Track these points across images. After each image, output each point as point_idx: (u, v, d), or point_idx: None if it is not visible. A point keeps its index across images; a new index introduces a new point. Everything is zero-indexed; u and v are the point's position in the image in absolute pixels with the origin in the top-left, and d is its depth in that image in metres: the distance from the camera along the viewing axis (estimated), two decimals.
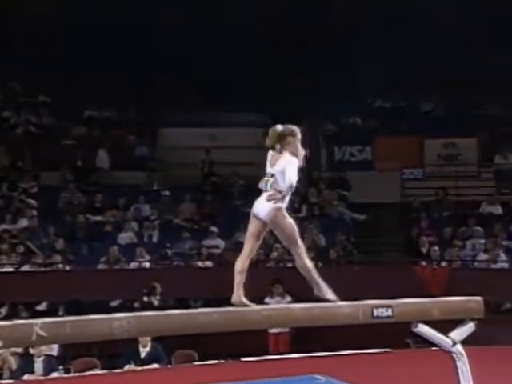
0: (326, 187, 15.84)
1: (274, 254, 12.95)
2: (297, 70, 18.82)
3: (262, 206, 5.38)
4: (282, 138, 5.46)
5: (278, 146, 5.45)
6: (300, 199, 15.26)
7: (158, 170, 16.78)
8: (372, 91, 19.11)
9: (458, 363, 6.04)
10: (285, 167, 5.33)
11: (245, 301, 5.45)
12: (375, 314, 5.68)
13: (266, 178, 5.44)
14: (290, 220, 5.43)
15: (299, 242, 5.48)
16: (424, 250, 13.12)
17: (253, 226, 5.45)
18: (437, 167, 16.82)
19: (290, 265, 13.14)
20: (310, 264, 5.54)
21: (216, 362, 9.61)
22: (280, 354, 10.66)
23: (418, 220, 14.48)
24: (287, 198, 5.43)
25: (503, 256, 12.70)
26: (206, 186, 16.18)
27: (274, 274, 12.23)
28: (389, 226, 15.37)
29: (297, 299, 9.92)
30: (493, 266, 12.40)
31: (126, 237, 13.96)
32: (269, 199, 5.36)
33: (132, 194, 15.29)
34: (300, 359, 9.48)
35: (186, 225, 14.30)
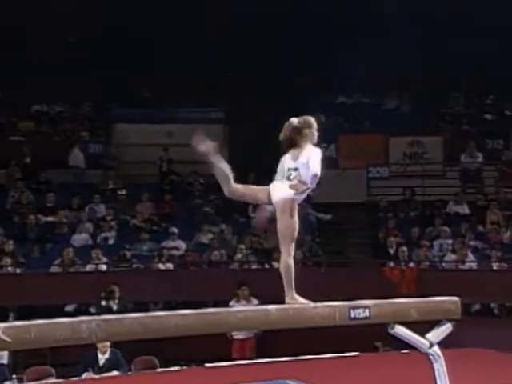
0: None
1: (239, 256, 12.92)
2: (255, 67, 18.92)
3: (277, 192, 5.30)
4: (298, 132, 5.45)
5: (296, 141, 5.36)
6: None
7: (113, 168, 16.62)
8: (335, 88, 19.28)
9: (436, 365, 6.11)
10: (309, 157, 5.30)
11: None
12: (352, 315, 5.70)
13: (288, 173, 5.35)
14: (296, 217, 5.39)
15: (293, 241, 5.45)
16: (392, 251, 13.24)
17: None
18: (402, 166, 17.02)
19: (255, 267, 13.17)
20: (292, 267, 5.46)
21: (178, 368, 9.54)
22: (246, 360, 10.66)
23: (385, 220, 14.60)
24: (306, 193, 5.41)
25: (471, 256, 12.91)
26: (164, 185, 16.07)
27: (239, 277, 12.21)
28: (355, 226, 15.53)
29: (263, 303, 9.92)
30: (461, 266, 12.59)
31: (80, 238, 13.79)
32: (291, 187, 5.27)
33: (86, 193, 15.10)
34: (267, 364, 9.47)
35: (144, 226, 14.18)
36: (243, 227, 14.63)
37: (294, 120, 5.55)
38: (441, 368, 6.10)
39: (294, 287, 5.48)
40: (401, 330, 5.96)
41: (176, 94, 17.97)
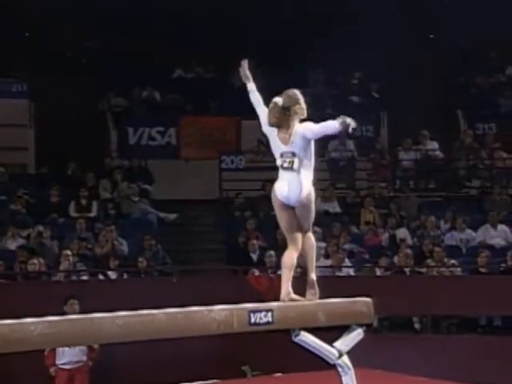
0: (123, 179, 15.88)
1: (66, 264, 12.79)
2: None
3: (292, 191, 6.07)
4: (287, 111, 6.12)
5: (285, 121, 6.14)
6: (88, 194, 15.20)
7: None
8: (171, 58, 19.48)
9: (344, 379, 6.47)
10: (303, 135, 6.04)
11: (295, 297, 6.18)
12: (253, 319, 5.97)
13: (284, 159, 6.11)
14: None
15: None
16: (255, 257, 13.61)
17: (285, 217, 6.19)
18: (259, 155, 17.44)
19: (85, 277, 13.08)
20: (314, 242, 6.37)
21: None
22: None
23: (243, 220, 14.98)
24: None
25: (347, 261, 13.55)
26: None
27: (65, 290, 12.07)
28: (206, 227, 15.80)
29: None
30: (338, 273, 13.18)
31: None
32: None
33: None
34: None
35: None
36: (66, 229, 14.50)
37: (279, 100, 6.17)
38: (350, 382, 6.46)
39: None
40: (306, 338, 6.28)
41: None
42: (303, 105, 6.22)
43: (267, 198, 15.73)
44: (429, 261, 13.34)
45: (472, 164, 17.31)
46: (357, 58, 17.77)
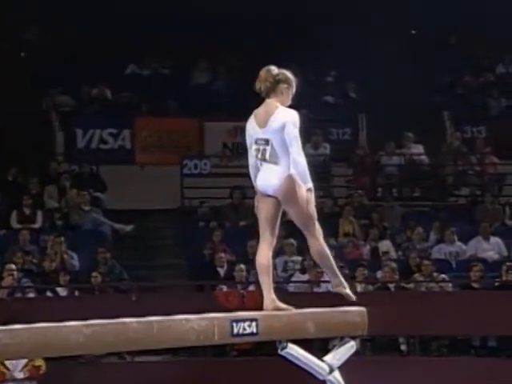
0: (71, 186, 15.82)
1: (9, 279, 12.72)
2: None
3: (269, 179, 5.93)
4: (275, 84, 5.99)
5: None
6: (31, 202, 15.14)
7: None
8: (124, 52, 19.45)
9: None
10: (284, 123, 5.89)
11: (281, 305, 6.02)
12: (235, 330, 5.97)
13: (257, 147, 5.96)
14: (306, 194, 6.01)
15: (316, 220, 6.07)
16: (222, 271, 13.65)
17: (265, 207, 6.03)
18: (223, 160, 17.51)
19: (32, 295, 13.00)
20: (327, 249, 6.12)
21: None
22: None
23: (208, 232, 15.02)
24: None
25: (326, 276, 13.54)
26: None
27: (8, 309, 11.99)
28: (167, 240, 15.78)
29: None
30: (316, 289, 13.22)
31: None
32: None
33: None
34: None
35: None
36: (7, 242, 14.41)
37: (274, 68, 6.04)
38: None
39: (339, 273, 6.29)
40: (294, 351, 6.30)
41: None
42: (291, 92, 6.15)
43: (234, 206, 16.04)
44: (416, 275, 13.43)
45: (461, 170, 17.50)
46: (331, 55, 17.92)
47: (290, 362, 6.32)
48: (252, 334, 6.03)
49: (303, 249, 14.50)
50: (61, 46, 18.95)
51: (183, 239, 15.70)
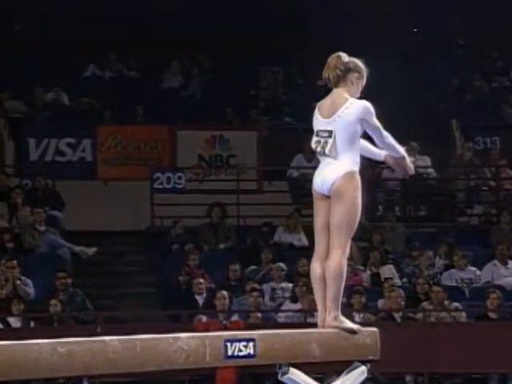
0: (24, 203, 15.80)
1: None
2: None
3: (325, 175, 6.12)
4: (345, 73, 6.20)
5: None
6: None
7: None
8: (83, 51, 19.49)
9: None
10: (362, 119, 6.09)
11: (346, 324, 6.31)
12: (230, 351, 5.97)
13: (318, 139, 6.17)
14: (360, 197, 6.13)
15: (352, 234, 6.28)
16: (201, 300, 13.68)
17: (321, 212, 6.17)
18: (200, 174, 17.54)
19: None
20: (345, 272, 6.32)
21: None
22: None
23: (183, 256, 15.02)
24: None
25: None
26: None
27: None
28: (135, 265, 15.85)
29: None
30: (310, 319, 13.21)
31: None
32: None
33: None
34: None
35: None
36: None
37: (345, 56, 6.22)
38: None
39: (340, 303, 6.32)
40: (297, 376, 6.32)
41: None
42: (362, 83, 6.33)
43: (213, 226, 16.06)
44: (425, 303, 13.47)
45: (473, 185, 17.53)
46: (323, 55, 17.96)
47: None
48: (249, 355, 6.04)
49: (293, 274, 14.59)
50: (8, 45, 18.95)
51: (154, 264, 15.73)
